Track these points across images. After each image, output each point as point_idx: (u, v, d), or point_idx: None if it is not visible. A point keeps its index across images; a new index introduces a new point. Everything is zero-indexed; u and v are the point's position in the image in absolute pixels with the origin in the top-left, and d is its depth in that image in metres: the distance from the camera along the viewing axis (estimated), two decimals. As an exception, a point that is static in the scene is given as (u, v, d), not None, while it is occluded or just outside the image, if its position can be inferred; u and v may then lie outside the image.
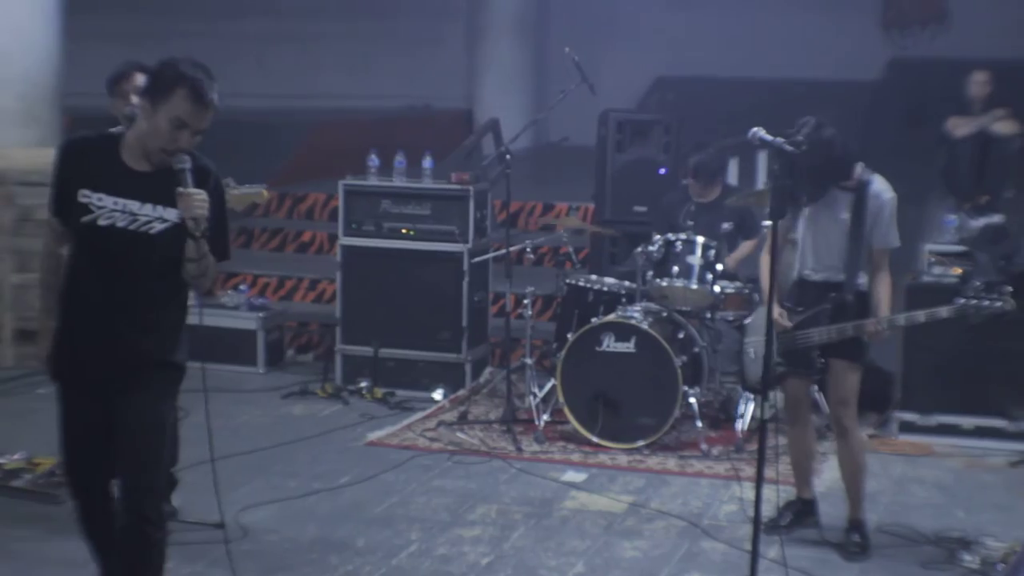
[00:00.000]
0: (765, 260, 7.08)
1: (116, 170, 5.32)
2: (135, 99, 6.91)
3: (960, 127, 11.18)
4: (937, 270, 9.09)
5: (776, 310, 6.88)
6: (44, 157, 10.25)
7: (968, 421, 9.00)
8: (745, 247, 9.49)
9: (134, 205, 5.29)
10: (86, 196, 5.28)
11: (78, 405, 5.59)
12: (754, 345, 7.28)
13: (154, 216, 5.30)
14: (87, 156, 5.39)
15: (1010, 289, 6.66)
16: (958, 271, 8.98)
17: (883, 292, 6.90)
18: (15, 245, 10.58)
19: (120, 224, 5.28)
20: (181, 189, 5.23)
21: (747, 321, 7.70)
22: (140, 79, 6.96)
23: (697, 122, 12.07)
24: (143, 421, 5.48)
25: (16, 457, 8.05)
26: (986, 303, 6.60)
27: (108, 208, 5.28)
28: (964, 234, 9.86)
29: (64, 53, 11.37)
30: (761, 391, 7.26)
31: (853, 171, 6.87)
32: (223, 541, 6.81)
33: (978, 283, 7.41)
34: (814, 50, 17.55)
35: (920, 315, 6.87)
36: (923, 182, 11.79)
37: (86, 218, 5.28)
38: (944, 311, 6.71)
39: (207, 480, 7.73)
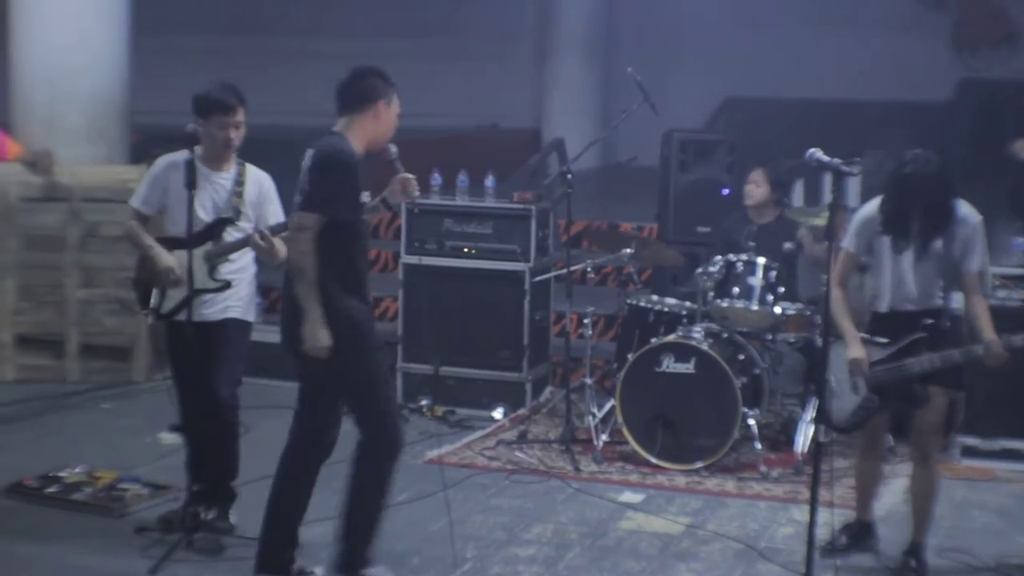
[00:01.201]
0: (836, 292, 6.92)
1: None
2: (233, 133, 7.03)
3: (1027, 150, 11.08)
4: (1002, 293, 9.01)
5: (859, 351, 6.78)
6: (111, 174, 10.46)
7: (1031, 446, 8.92)
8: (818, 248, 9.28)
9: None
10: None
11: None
12: (837, 382, 7.00)
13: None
14: None
15: None
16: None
17: (983, 315, 6.78)
18: (82, 261, 10.68)
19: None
20: (405, 175, 6.84)
21: (830, 354, 7.36)
22: (242, 115, 7.08)
23: (766, 143, 12.02)
24: None
25: (78, 470, 8.13)
26: None
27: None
28: (1028, 258, 9.76)
29: (132, 70, 11.46)
30: (848, 431, 7.16)
31: (956, 207, 6.81)
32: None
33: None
34: (883, 71, 17.45)
35: None
36: (990, 204, 11.69)
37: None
38: None
39: (264, 496, 7.81)
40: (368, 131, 6.59)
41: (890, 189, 6.75)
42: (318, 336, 6.37)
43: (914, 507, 7.10)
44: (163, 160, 7.30)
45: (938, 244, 6.79)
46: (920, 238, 6.76)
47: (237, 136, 7.11)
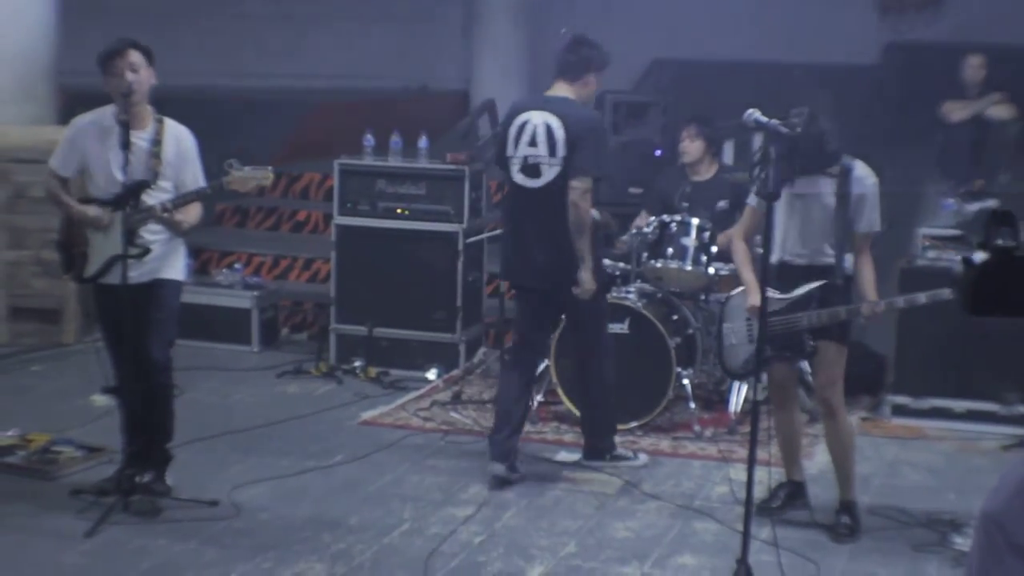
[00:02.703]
0: (738, 241, 7.24)
1: None
2: (130, 76, 6.92)
3: (956, 111, 11.19)
4: (931, 254, 9.10)
5: (757, 300, 6.89)
6: (39, 134, 10.33)
7: (960, 405, 9.01)
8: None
9: None
10: None
11: None
12: (734, 331, 7.28)
13: None
14: None
15: None
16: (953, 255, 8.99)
17: (868, 275, 6.94)
18: (10, 222, 10.56)
19: None
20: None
21: (726, 304, 7.56)
22: (135, 56, 6.97)
23: (692, 104, 12.05)
24: None
25: (10, 434, 8.07)
26: None
27: None
28: (959, 218, 9.86)
29: (60, 31, 11.34)
30: (743, 377, 7.36)
31: (840, 159, 6.89)
32: (217, 519, 6.89)
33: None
34: (811, 34, 17.49)
35: (921, 296, 6.84)
36: (919, 166, 11.80)
37: None
38: (946, 292, 6.70)
39: (201, 458, 7.83)
40: (581, 97, 7.78)
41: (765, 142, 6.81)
42: (592, 281, 7.59)
43: (834, 462, 7.21)
44: (78, 120, 7.20)
45: (828, 201, 6.88)
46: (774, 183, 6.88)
47: (136, 79, 6.91)
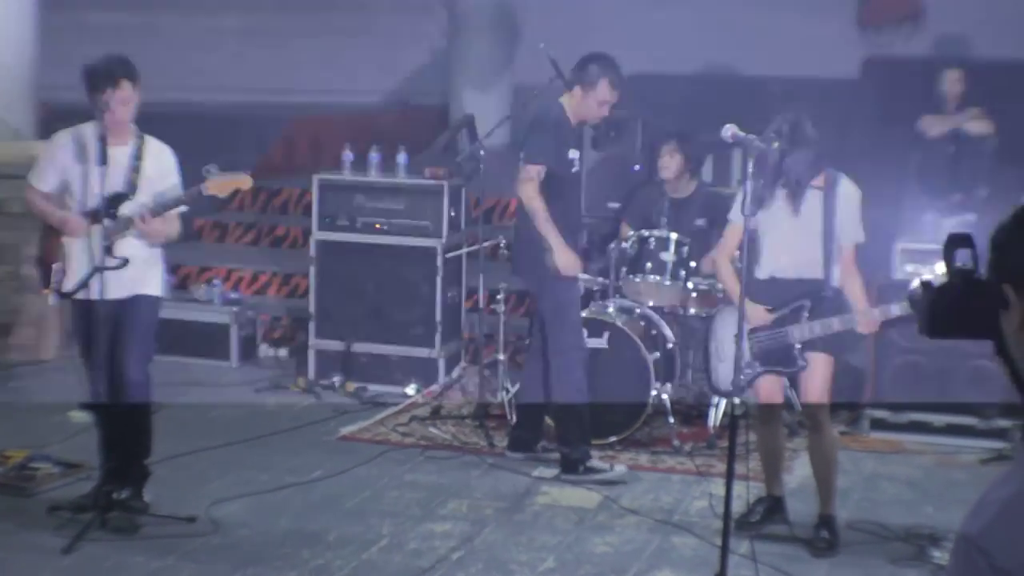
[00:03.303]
0: (723, 261, 7.20)
1: None
2: (119, 110, 6.93)
3: (933, 126, 11.21)
4: (909, 268, 9.12)
5: (757, 307, 6.91)
6: (17, 149, 10.30)
7: (939, 419, 9.02)
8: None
9: None
10: None
11: None
12: (720, 349, 7.26)
13: None
14: None
15: None
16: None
17: (857, 286, 7.00)
18: (-12, 237, 10.55)
19: None
20: None
21: (714, 321, 7.59)
22: (126, 90, 6.97)
23: (672, 119, 12.08)
24: None
25: (-13, 450, 8.05)
26: None
27: None
28: (937, 233, 9.87)
29: (40, 46, 11.32)
30: (730, 395, 7.30)
31: (822, 170, 6.92)
32: (195, 535, 6.88)
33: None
34: (789, 48, 17.52)
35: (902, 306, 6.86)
36: (897, 181, 11.82)
37: None
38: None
39: (178, 474, 7.81)
40: (573, 107, 8.21)
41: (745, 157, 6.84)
42: (564, 260, 7.99)
43: (816, 476, 7.23)
44: (58, 136, 7.21)
45: (815, 214, 6.90)
46: (787, 200, 6.89)
47: (126, 111, 6.98)
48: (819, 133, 6.83)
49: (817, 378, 7.03)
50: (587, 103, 8.13)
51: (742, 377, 7.07)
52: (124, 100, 6.96)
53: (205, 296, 11.00)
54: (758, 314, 6.98)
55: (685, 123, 10.09)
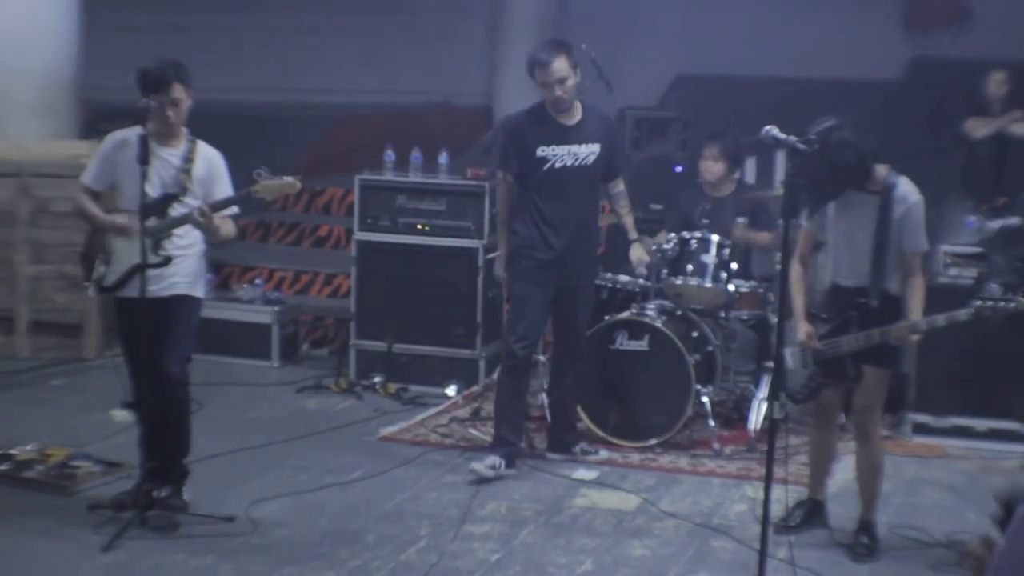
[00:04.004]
0: (795, 267, 7.04)
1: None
2: (170, 112, 6.99)
3: (978, 128, 11.14)
4: (953, 271, 9.05)
5: (805, 328, 6.85)
6: (61, 149, 10.37)
7: (982, 423, 8.96)
8: (759, 237, 9.35)
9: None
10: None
11: None
12: (792, 355, 7.11)
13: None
14: None
15: None
16: (976, 272, 8.94)
17: (915, 296, 6.79)
18: (31, 236, 10.60)
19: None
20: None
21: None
22: (178, 92, 7.01)
23: (716, 120, 12.04)
24: None
25: (29, 448, 8.08)
26: (1001, 304, 6.56)
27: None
28: (982, 235, 9.82)
29: (84, 46, 11.38)
30: (801, 402, 7.22)
31: (874, 174, 6.78)
32: (234, 535, 6.89)
33: (994, 285, 7.38)
34: (835, 49, 17.45)
35: (940, 319, 6.76)
36: (942, 183, 11.75)
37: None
38: (962, 314, 6.65)
39: (218, 473, 7.84)
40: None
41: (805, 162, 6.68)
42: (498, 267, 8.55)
43: (860, 484, 7.16)
44: (112, 137, 7.24)
45: (870, 220, 6.79)
46: (823, 204, 6.85)
47: (175, 113, 7.02)
48: (859, 138, 6.71)
49: (867, 389, 6.94)
50: (542, 92, 8.15)
51: (804, 387, 7.07)
52: (175, 102, 7.00)
53: (247, 296, 11.03)
54: (803, 330, 6.94)
55: (728, 124, 10.04)
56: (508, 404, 8.32)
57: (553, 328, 8.52)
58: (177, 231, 7.07)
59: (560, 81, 7.98)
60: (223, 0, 19.15)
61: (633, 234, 8.63)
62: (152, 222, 6.98)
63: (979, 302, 6.61)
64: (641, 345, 8.74)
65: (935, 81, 16.68)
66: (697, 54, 18.30)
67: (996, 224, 10.01)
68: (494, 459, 8.09)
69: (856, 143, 6.67)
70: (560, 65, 7.97)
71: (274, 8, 19.22)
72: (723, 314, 9.14)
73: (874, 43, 17.67)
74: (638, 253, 8.63)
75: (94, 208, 7.22)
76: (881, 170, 6.80)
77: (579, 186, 8.18)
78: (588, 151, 8.17)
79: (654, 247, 9.06)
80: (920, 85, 17.36)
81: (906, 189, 6.81)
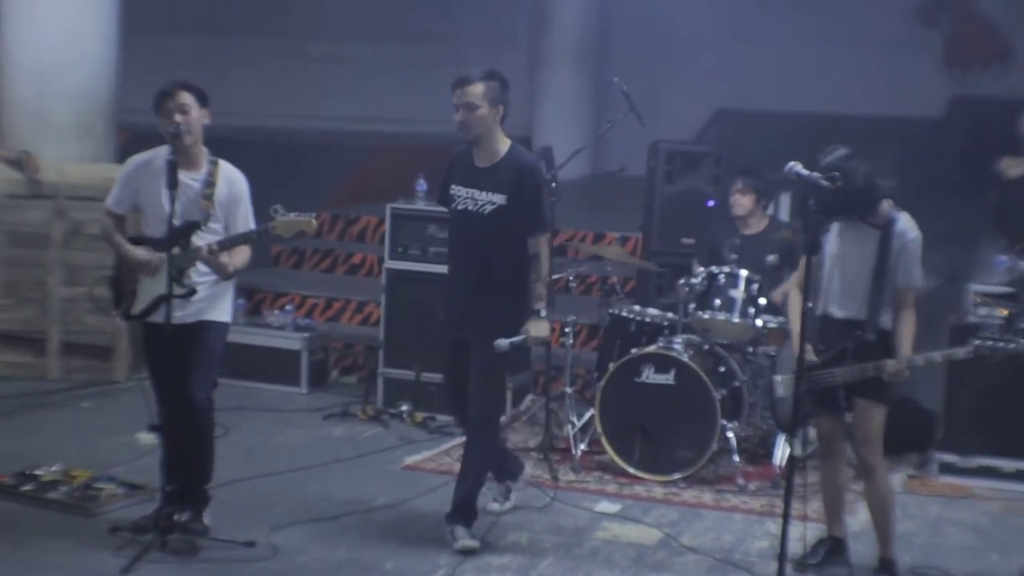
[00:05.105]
0: (794, 296, 7.13)
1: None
2: (178, 117, 6.99)
3: (1013, 168, 11.06)
4: (983, 311, 9.00)
5: (809, 347, 6.88)
6: (97, 172, 10.43)
7: (1009, 464, 8.90)
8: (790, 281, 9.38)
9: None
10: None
11: None
12: (782, 383, 7.26)
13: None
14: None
15: None
16: (1004, 312, 8.90)
17: (906, 332, 6.83)
18: (65, 258, 10.66)
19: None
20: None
21: (778, 356, 7.68)
22: (184, 97, 7.03)
23: (756, 155, 12.02)
24: None
25: (54, 469, 8.11)
26: (1001, 344, 6.57)
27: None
28: (1013, 275, 9.76)
29: (121, 68, 11.46)
30: (789, 429, 7.29)
31: (878, 206, 6.82)
32: (253, 560, 6.90)
33: (1022, 325, 7.37)
34: (875, 86, 17.46)
35: (937, 355, 6.82)
36: (977, 222, 11.70)
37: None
38: (961, 352, 6.67)
39: (241, 498, 7.85)
40: None
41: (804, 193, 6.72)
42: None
43: (872, 520, 7.15)
44: (134, 160, 7.28)
45: (868, 253, 6.83)
46: (838, 237, 6.84)
47: (184, 121, 6.99)
48: (870, 169, 6.71)
49: (863, 422, 6.96)
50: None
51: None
52: (182, 108, 6.99)
53: (277, 322, 11.05)
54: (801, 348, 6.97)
55: (767, 159, 10.03)
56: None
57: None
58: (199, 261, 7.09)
59: (467, 107, 7.22)
60: (262, 25, 19.28)
61: (539, 307, 7.40)
62: (176, 252, 6.99)
63: (978, 341, 6.63)
64: (667, 379, 8.73)
65: (975, 120, 16.65)
66: (737, 89, 18.31)
67: (1026, 265, 9.95)
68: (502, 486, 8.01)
69: (868, 171, 6.68)
70: (474, 90, 7.20)
71: (314, 36, 19.34)
72: (751, 349, 9.12)
73: (915, 81, 17.66)
74: (538, 329, 7.41)
75: (119, 238, 7.25)
76: (885, 204, 6.84)
77: (479, 235, 7.39)
78: (487, 200, 7.33)
79: (693, 279, 9.01)
80: (960, 123, 17.32)
81: (906, 224, 6.87)
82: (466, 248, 7.49)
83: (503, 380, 7.90)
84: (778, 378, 7.30)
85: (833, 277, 6.93)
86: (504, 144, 7.42)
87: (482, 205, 7.33)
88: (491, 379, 7.50)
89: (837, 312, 6.93)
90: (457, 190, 7.44)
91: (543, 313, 7.39)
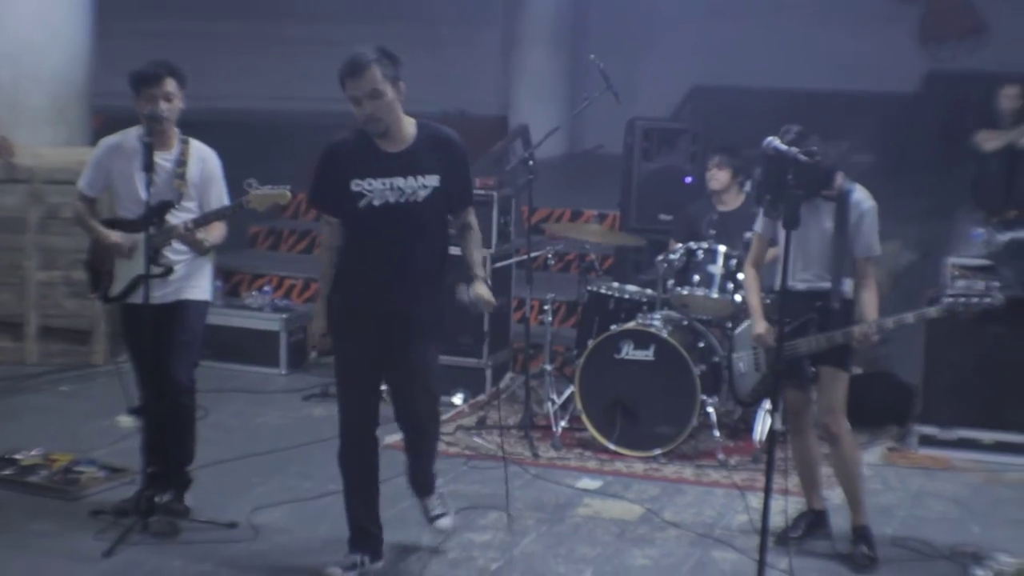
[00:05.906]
0: (749, 271, 7.30)
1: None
2: (163, 105, 6.96)
3: (989, 141, 11.10)
4: (960, 284, 9.02)
5: (763, 327, 6.96)
6: (72, 156, 10.39)
7: (988, 436, 8.92)
8: (770, 254, 9.36)
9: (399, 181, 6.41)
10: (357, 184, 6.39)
11: None
12: (743, 359, 7.36)
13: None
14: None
15: (998, 285, 6.65)
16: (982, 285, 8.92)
17: (868, 299, 6.88)
18: (41, 243, 10.64)
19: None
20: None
21: (736, 332, 7.72)
22: (171, 85, 7.01)
23: (731, 132, 12.02)
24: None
25: (34, 453, 8.09)
26: (975, 299, 6.62)
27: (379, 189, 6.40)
28: (990, 248, 9.80)
29: (95, 52, 11.41)
30: (751, 404, 7.37)
31: (835, 180, 6.86)
32: (235, 541, 6.90)
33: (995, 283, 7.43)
34: (851, 62, 17.47)
35: (909, 316, 6.84)
36: (953, 195, 11.74)
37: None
38: (933, 311, 6.72)
39: (222, 479, 7.84)
40: None
41: (763, 164, 6.79)
42: None
43: (842, 488, 7.20)
44: (105, 142, 7.26)
45: (826, 225, 6.88)
46: (791, 210, 6.85)
47: (168, 108, 6.99)
48: (824, 144, 6.73)
49: (827, 390, 6.99)
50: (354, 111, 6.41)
51: (754, 390, 7.27)
52: (167, 96, 6.99)
53: (256, 303, 11.04)
54: (761, 327, 7.09)
55: (743, 136, 10.04)
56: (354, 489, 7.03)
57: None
58: (174, 240, 7.07)
59: (372, 96, 6.25)
60: (239, 8, 19.22)
61: (479, 271, 6.95)
62: (151, 231, 6.97)
63: (951, 299, 6.68)
64: (647, 355, 8.74)
65: (950, 94, 16.66)
66: (713, 66, 18.31)
67: (1005, 237, 9.99)
68: (354, 557, 6.77)
69: (825, 148, 6.71)
70: (372, 75, 6.23)
71: (289, 16, 19.28)
72: (729, 324, 9.12)
73: (890, 56, 17.66)
74: (480, 290, 6.85)
75: (92, 220, 7.24)
76: (838, 177, 6.91)
77: (411, 226, 6.49)
78: (418, 185, 6.43)
79: (672, 255, 9.02)
80: (935, 98, 17.34)
81: (861, 195, 6.93)
82: (389, 245, 6.47)
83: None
84: (736, 355, 7.41)
85: (792, 250, 6.93)
86: (410, 123, 6.48)
87: (413, 192, 6.40)
88: (434, 372, 7.16)
89: (798, 284, 6.96)
90: (365, 184, 6.38)
91: (482, 276, 6.92)
